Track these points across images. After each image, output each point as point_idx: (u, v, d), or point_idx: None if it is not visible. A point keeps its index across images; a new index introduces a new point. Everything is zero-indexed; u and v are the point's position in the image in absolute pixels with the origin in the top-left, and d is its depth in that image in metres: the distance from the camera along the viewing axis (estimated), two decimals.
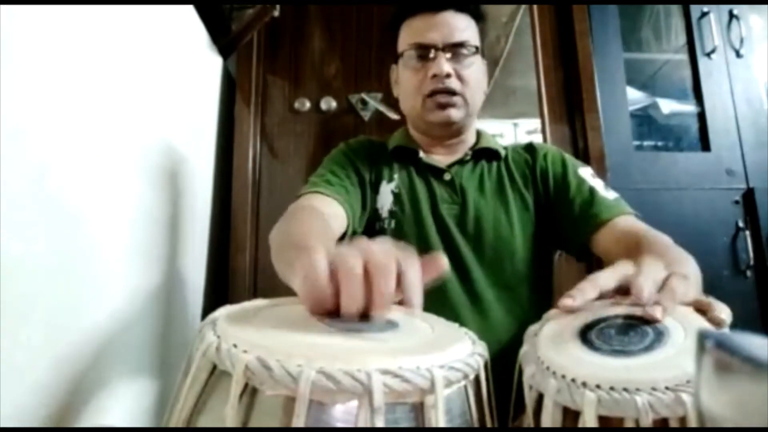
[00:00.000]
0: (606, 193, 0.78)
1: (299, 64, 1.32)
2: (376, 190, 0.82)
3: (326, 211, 0.69)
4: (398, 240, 0.77)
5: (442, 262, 0.42)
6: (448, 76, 0.77)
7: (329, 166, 0.81)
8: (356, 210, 0.77)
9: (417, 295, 0.39)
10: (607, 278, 0.47)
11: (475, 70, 0.81)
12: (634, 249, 0.62)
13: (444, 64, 0.77)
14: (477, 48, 0.81)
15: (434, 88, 0.78)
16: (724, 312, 0.44)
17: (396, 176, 0.82)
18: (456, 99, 0.79)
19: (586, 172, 0.82)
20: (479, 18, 0.83)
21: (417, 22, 0.81)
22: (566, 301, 0.45)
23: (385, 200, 0.81)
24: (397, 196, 0.81)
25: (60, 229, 0.56)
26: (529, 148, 0.87)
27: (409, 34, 0.81)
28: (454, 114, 0.79)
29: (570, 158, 0.85)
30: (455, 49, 0.79)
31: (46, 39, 0.54)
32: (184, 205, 0.96)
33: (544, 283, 0.82)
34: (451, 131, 0.83)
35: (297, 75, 1.32)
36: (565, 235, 0.79)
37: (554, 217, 0.81)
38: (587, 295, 0.46)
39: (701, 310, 0.45)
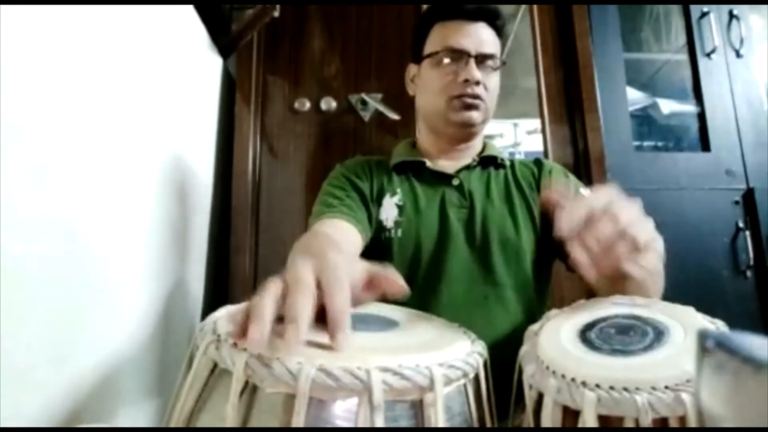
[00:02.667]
0: None
1: (299, 64, 1.32)
2: (378, 203, 0.83)
3: (334, 234, 0.70)
4: (404, 248, 0.79)
5: (399, 285, 0.43)
6: (477, 83, 0.81)
7: (328, 190, 0.82)
8: (364, 224, 0.79)
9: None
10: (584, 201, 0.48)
11: (496, 83, 0.86)
12: None
13: (476, 71, 0.81)
14: (501, 63, 0.86)
15: (463, 92, 0.81)
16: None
17: (398, 190, 0.84)
18: (479, 103, 0.82)
19: (586, 192, 0.84)
20: (503, 34, 0.88)
21: (451, 26, 0.84)
22: (565, 223, 0.46)
23: (389, 213, 0.82)
24: (401, 208, 0.82)
25: (60, 229, 0.56)
26: (537, 162, 0.90)
27: (442, 37, 0.84)
28: (476, 116, 0.82)
29: (573, 177, 0.89)
30: (485, 59, 0.83)
31: (46, 39, 0.55)
32: (184, 205, 0.96)
33: (544, 285, 0.83)
34: (467, 133, 0.86)
35: (297, 75, 1.32)
36: (560, 245, 0.80)
37: (552, 229, 0.82)
38: (581, 210, 0.46)
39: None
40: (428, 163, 0.86)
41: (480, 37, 0.83)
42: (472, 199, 0.82)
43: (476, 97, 0.81)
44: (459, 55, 0.82)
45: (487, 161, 0.88)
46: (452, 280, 0.77)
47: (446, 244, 0.79)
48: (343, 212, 0.76)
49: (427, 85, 0.86)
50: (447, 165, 0.87)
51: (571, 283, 1.16)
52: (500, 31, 0.87)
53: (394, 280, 0.43)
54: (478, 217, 0.81)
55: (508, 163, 0.89)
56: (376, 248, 0.80)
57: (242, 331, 0.35)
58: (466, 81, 0.80)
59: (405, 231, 0.80)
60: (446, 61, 0.83)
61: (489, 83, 0.83)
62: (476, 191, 0.83)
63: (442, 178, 0.85)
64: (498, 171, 0.88)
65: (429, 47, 0.86)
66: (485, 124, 0.87)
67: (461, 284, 0.77)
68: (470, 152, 0.89)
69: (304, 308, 0.35)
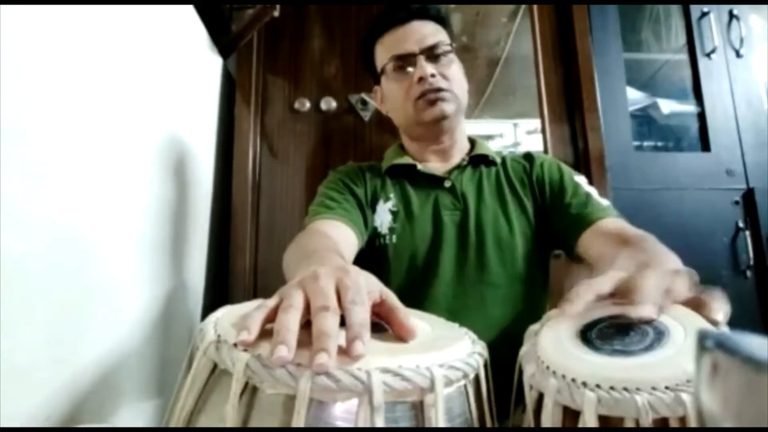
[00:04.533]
0: (599, 199, 0.80)
1: (299, 64, 1.32)
2: (373, 210, 0.83)
3: (332, 233, 0.70)
4: (399, 254, 0.79)
5: (409, 332, 0.42)
6: (432, 76, 0.80)
7: (325, 193, 0.82)
8: (361, 227, 0.79)
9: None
10: (602, 282, 0.48)
11: (456, 69, 0.85)
12: (620, 245, 0.64)
13: (426, 66, 0.80)
14: (451, 46, 0.84)
15: (423, 90, 0.81)
16: (720, 312, 0.44)
17: (392, 195, 0.84)
18: (445, 94, 0.81)
19: (581, 180, 0.84)
20: (444, 23, 0.86)
21: (388, 38, 0.85)
22: (566, 307, 0.45)
23: (383, 219, 0.82)
24: (395, 214, 0.82)
25: (60, 229, 0.56)
26: (527, 156, 0.90)
27: (385, 50, 0.85)
28: (447, 107, 0.81)
29: (566, 167, 0.88)
30: (431, 51, 0.82)
31: (46, 39, 0.54)
32: (184, 206, 0.96)
33: (541, 282, 0.83)
34: (444, 127, 0.84)
35: (297, 75, 1.32)
36: (562, 235, 0.80)
37: (552, 220, 0.82)
38: (585, 298, 0.46)
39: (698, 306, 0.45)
40: (419, 166, 0.86)
41: (419, 32, 0.83)
42: (465, 201, 0.82)
43: (438, 90, 0.80)
44: (406, 60, 0.82)
45: (478, 160, 0.87)
46: (448, 283, 0.77)
47: (441, 248, 0.79)
48: (340, 214, 0.76)
49: (391, 99, 0.87)
50: (437, 166, 0.87)
51: (571, 283, 1.16)
52: (438, 20, 0.85)
53: (408, 327, 0.42)
54: (471, 218, 0.81)
55: (499, 160, 0.88)
56: (372, 254, 0.80)
57: (254, 339, 0.35)
58: (421, 79, 0.80)
59: (399, 237, 0.80)
60: (397, 70, 0.83)
61: (447, 71, 0.82)
62: (469, 192, 0.83)
63: (433, 181, 0.85)
64: (489, 169, 0.87)
65: (379, 64, 0.87)
66: (460, 114, 0.86)
67: (457, 287, 0.77)
68: (458, 151, 0.89)
69: (334, 333, 0.35)
